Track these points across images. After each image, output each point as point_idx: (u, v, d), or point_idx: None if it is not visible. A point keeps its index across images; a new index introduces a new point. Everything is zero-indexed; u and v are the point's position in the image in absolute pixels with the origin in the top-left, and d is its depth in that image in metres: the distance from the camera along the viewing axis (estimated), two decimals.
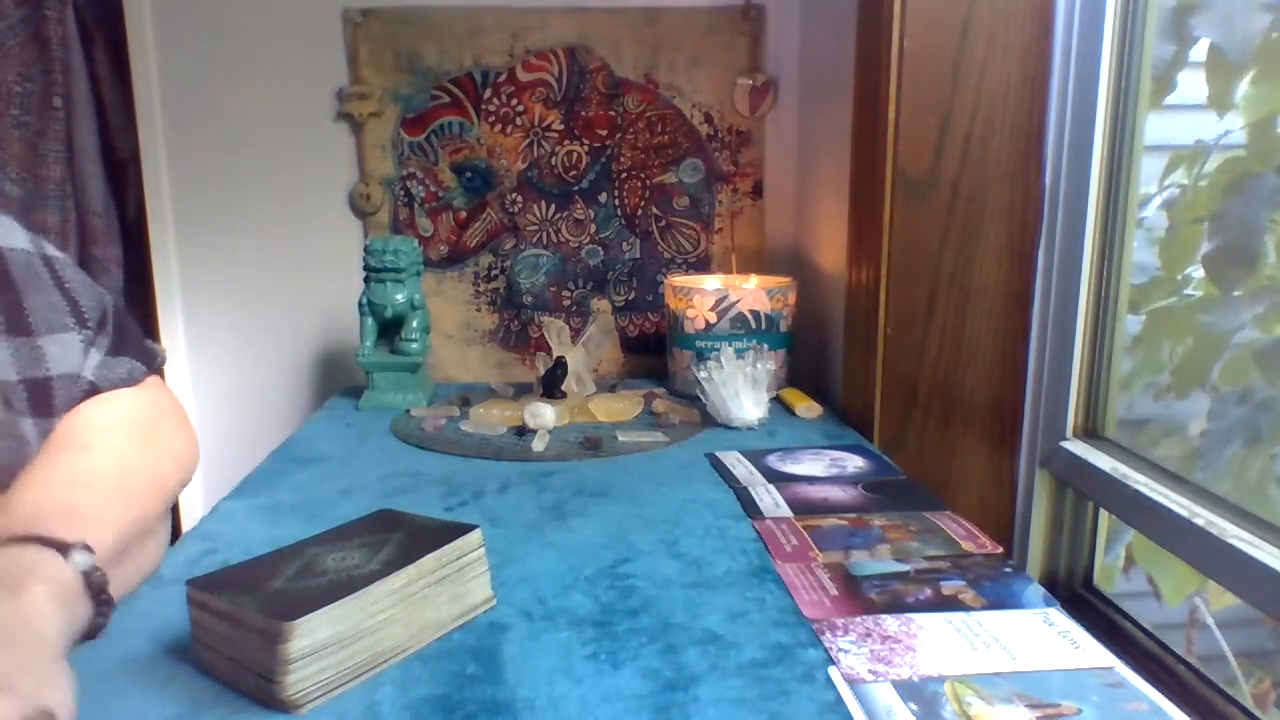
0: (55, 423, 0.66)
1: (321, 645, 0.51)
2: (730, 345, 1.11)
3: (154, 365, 0.75)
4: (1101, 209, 0.88)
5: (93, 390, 0.69)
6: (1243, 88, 1.05)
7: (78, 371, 0.68)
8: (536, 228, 1.34)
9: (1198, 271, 1.15)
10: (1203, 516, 0.72)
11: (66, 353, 0.67)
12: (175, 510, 1.36)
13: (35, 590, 0.52)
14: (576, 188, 1.33)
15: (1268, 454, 1.03)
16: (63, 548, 0.55)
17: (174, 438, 0.74)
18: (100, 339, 0.71)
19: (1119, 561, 1.18)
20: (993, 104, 0.94)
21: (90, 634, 0.56)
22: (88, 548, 0.56)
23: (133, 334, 0.75)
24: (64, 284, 0.69)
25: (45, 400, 0.65)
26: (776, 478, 0.88)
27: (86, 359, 0.69)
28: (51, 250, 0.71)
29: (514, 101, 1.31)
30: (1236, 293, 1.04)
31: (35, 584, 0.52)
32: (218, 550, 0.74)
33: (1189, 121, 1.16)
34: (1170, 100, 1.10)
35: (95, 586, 0.56)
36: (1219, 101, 1.05)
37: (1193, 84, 1.07)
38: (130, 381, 0.72)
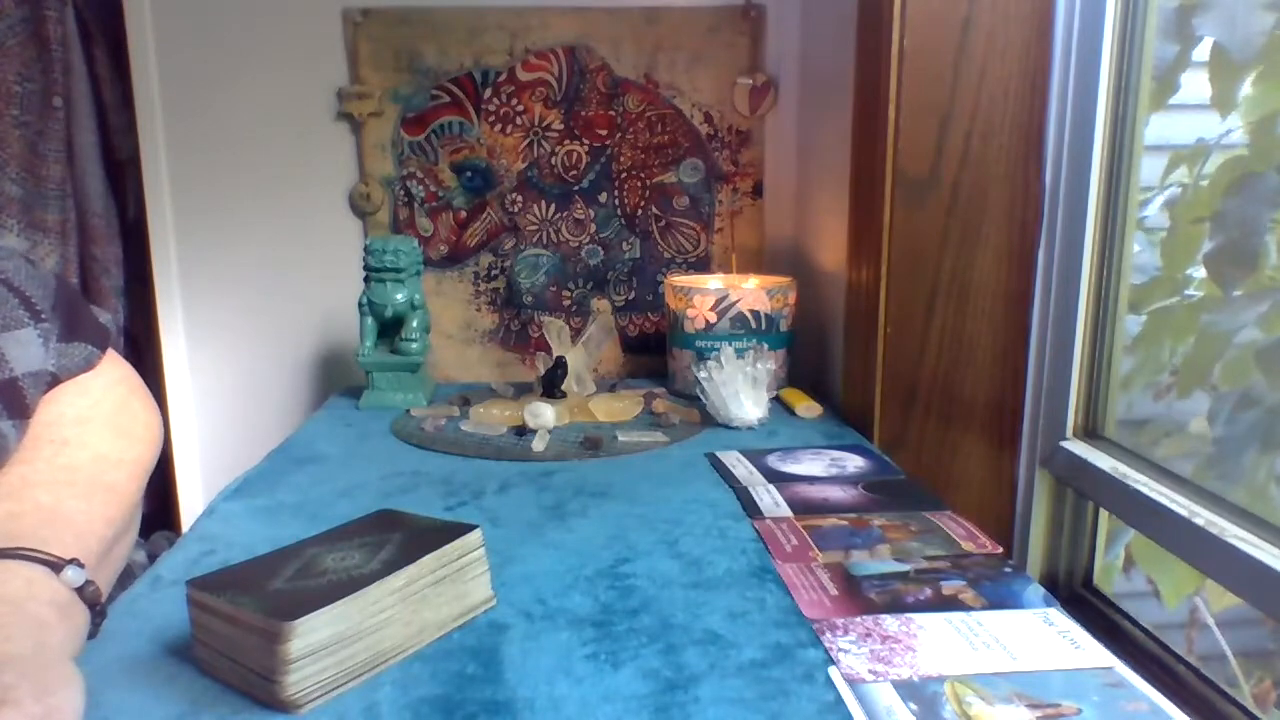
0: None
1: (321, 645, 0.51)
2: (730, 345, 1.11)
3: (108, 342, 0.74)
4: (1101, 209, 0.88)
5: (54, 380, 0.67)
6: (1245, 88, 1.05)
7: (42, 367, 0.66)
8: (536, 227, 1.34)
9: (1199, 271, 1.15)
10: (1203, 516, 0.72)
11: (28, 350, 0.65)
12: (175, 510, 1.36)
13: (35, 605, 0.52)
14: (576, 188, 1.33)
15: (1275, 457, 1.02)
16: (55, 565, 0.55)
17: (144, 415, 0.73)
18: (54, 326, 0.68)
19: (1119, 561, 1.18)
20: (993, 104, 0.94)
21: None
22: (79, 563, 0.56)
23: (83, 312, 0.72)
24: (3, 276, 0.67)
25: (18, 401, 0.64)
26: (776, 478, 0.88)
27: (48, 353, 0.67)
28: None
29: (514, 101, 1.31)
30: (1238, 292, 1.04)
31: (33, 601, 0.52)
32: (217, 551, 0.74)
33: (1191, 121, 1.16)
34: (1172, 100, 1.10)
35: (89, 600, 0.56)
36: (1222, 102, 1.05)
37: (1194, 83, 1.07)
38: (89, 365, 0.70)
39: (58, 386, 0.68)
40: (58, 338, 0.68)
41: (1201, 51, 1.06)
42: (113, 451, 0.67)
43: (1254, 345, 1.05)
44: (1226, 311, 1.07)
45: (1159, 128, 1.05)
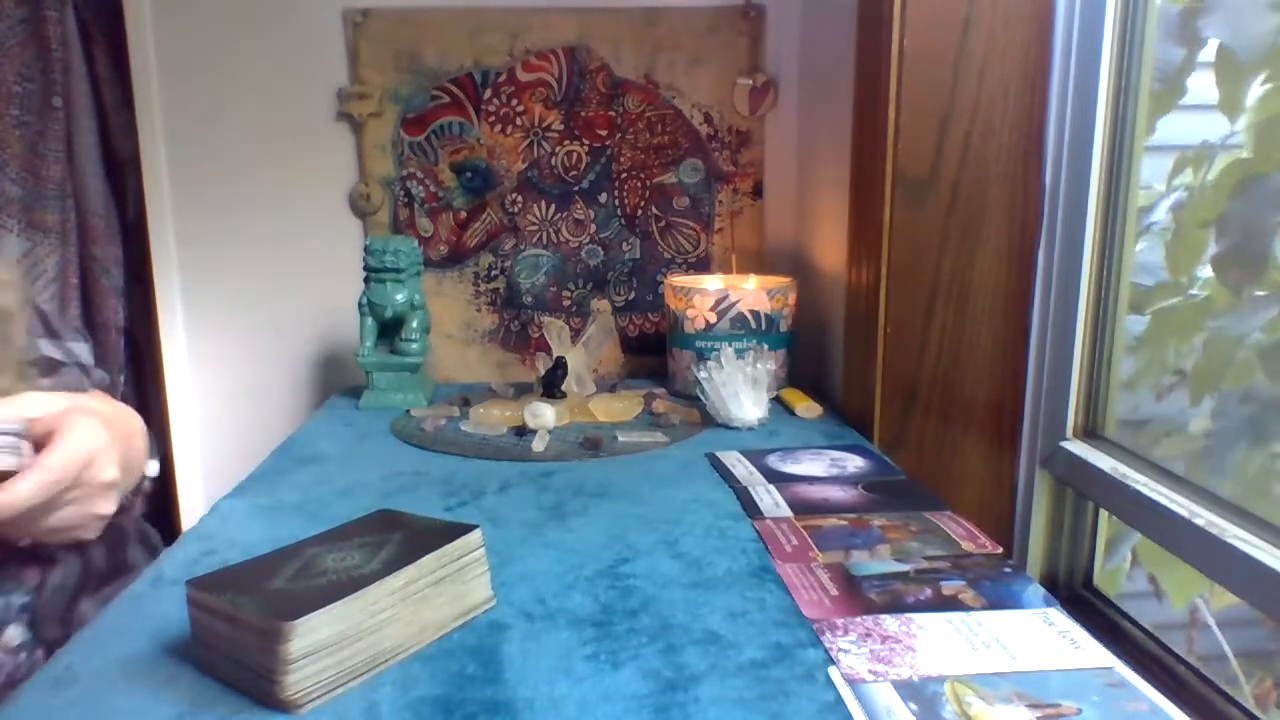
0: None
1: (321, 645, 0.51)
2: (730, 345, 1.11)
3: (107, 387, 0.85)
4: (1101, 209, 0.88)
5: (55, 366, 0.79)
6: (1253, 90, 1.04)
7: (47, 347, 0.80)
8: (536, 228, 1.34)
9: (1204, 272, 1.15)
10: (1203, 516, 0.72)
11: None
12: (175, 510, 1.36)
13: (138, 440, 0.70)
14: (576, 188, 1.33)
15: (1269, 451, 1.02)
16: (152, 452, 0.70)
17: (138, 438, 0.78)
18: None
19: (1125, 564, 1.18)
20: (993, 104, 0.94)
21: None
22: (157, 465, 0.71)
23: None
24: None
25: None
26: (776, 478, 0.88)
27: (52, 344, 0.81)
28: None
29: (514, 101, 1.31)
30: (1260, 293, 1.02)
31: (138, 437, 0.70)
32: (217, 551, 0.74)
33: (1196, 122, 1.16)
34: (1178, 100, 1.09)
35: (139, 490, 0.69)
36: (1230, 105, 1.04)
37: (1199, 84, 1.07)
38: (79, 388, 0.80)
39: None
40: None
41: (1207, 53, 1.05)
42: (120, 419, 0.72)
43: (1257, 345, 1.05)
44: (1233, 317, 1.06)
45: (1164, 128, 1.05)
